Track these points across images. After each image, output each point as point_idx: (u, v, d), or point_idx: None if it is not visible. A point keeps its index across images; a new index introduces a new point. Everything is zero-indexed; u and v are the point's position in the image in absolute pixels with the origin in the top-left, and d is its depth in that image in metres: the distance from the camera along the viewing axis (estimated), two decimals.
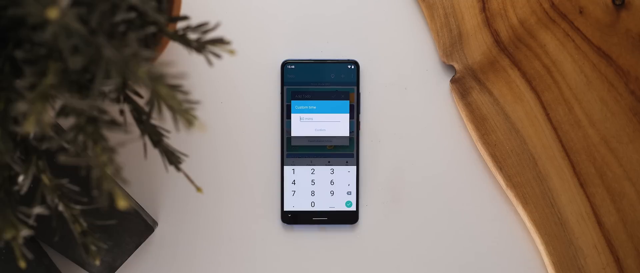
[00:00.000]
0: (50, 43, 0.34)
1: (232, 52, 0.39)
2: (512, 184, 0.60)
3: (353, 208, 0.61)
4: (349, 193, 0.61)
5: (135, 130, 0.45)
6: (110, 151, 0.37)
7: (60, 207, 0.43)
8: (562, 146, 0.60)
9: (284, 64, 0.61)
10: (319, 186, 0.61)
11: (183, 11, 0.49)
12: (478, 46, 0.60)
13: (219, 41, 0.40)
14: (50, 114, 0.34)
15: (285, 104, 0.61)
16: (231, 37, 0.42)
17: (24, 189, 0.41)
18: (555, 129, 0.60)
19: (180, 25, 0.47)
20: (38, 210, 0.41)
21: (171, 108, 0.36)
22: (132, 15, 0.37)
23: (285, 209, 0.61)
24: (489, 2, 0.60)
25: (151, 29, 0.39)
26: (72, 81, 0.37)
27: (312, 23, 0.61)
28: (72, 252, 0.57)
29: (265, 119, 0.61)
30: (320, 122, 0.61)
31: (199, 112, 0.37)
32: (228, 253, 0.62)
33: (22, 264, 0.40)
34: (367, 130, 0.62)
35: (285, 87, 0.61)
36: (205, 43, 0.40)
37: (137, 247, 0.58)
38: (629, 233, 0.59)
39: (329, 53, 0.61)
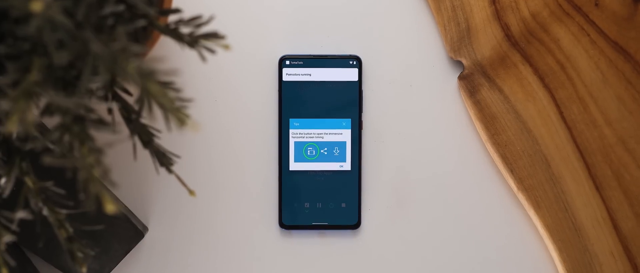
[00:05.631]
0: (34, 37, 0.34)
1: (226, 47, 0.39)
2: (523, 187, 0.60)
3: (355, 212, 0.61)
4: (350, 196, 0.61)
5: (124, 130, 0.45)
6: (98, 152, 0.37)
7: (45, 211, 0.43)
8: (577, 146, 0.60)
9: (282, 60, 0.60)
10: (319, 189, 0.61)
11: (175, 4, 0.49)
12: (487, 40, 0.60)
13: (213, 35, 0.40)
14: (34, 113, 0.34)
15: (283, 102, 0.61)
16: (226, 31, 0.42)
17: (7, 192, 0.41)
18: (569, 128, 0.60)
19: (172, 18, 0.47)
20: (21, 214, 0.41)
21: (162, 106, 0.36)
22: (121, 8, 0.37)
23: (283, 213, 0.61)
24: None
25: (141, 23, 0.39)
26: (57, 78, 0.37)
27: (311, 16, 0.61)
28: (58, 259, 0.57)
29: (262, 118, 0.61)
30: (319, 121, 0.61)
31: (192, 110, 0.37)
32: (223, 261, 0.62)
33: (5, 272, 0.40)
34: (369, 130, 0.62)
35: (283, 84, 0.61)
36: (198, 37, 0.40)
37: (126, 254, 0.58)
38: None
39: (329, 48, 0.61)
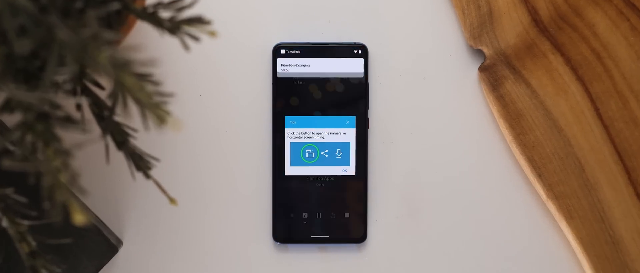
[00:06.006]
0: None
1: (213, 34, 0.39)
2: (553, 194, 0.60)
3: (360, 223, 0.61)
4: (355, 205, 0.61)
5: (95, 129, 0.45)
6: (65, 154, 0.37)
7: (4, 222, 0.43)
8: (615, 148, 0.60)
9: (277, 49, 0.60)
10: (319, 197, 0.61)
11: None
12: (512, 26, 0.60)
13: (197, 20, 0.40)
14: None
15: (277, 97, 0.61)
16: (212, 15, 0.42)
17: None
18: (606, 127, 0.60)
19: (150, 1, 0.47)
20: None
21: (139, 102, 0.36)
22: None
23: (277, 225, 0.61)
24: None
25: (114, 6, 0.39)
26: (18, 69, 0.37)
27: None
28: None
29: (254, 115, 0.61)
30: (319, 118, 0.61)
31: (173, 107, 0.37)
32: None
33: None
34: (377, 129, 0.62)
35: (277, 77, 0.61)
36: (180, 23, 0.40)
37: (97, 271, 0.58)
38: None
39: (330, 35, 0.61)
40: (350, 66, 0.61)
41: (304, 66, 0.61)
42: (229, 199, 0.62)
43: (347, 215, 0.61)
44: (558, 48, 0.60)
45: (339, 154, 0.61)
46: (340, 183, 0.61)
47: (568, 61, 0.60)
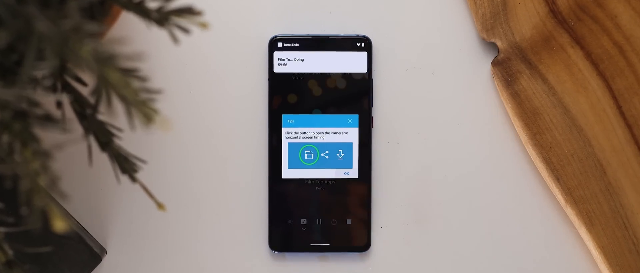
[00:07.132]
0: None
1: (204, 25, 0.39)
2: (572, 199, 0.60)
3: (363, 230, 0.61)
4: (358, 211, 0.61)
5: (77, 128, 0.45)
6: (45, 155, 0.37)
7: None
8: (639, 149, 0.60)
9: (273, 41, 0.60)
10: (319, 203, 0.61)
11: None
12: (528, 17, 0.60)
13: (187, 11, 0.40)
14: None
15: (274, 94, 0.61)
16: (203, 5, 0.42)
17: None
18: (629, 126, 0.60)
19: None
20: None
21: (124, 99, 0.36)
22: None
23: (273, 233, 0.61)
24: None
25: None
26: None
27: None
28: None
29: (249, 113, 0.61)
30: (319, 117, 0.61)
31: (162, 104, 0.37)
32: None
33: None
34: (382, 128, 0.62)
35: (274, 72, 0.61)
36: (168, 13, 0.40)
37: None
38: None
39: (331, 27, 0.61)
40: (353, 60, 0.61)
41: (302, 60, 0.61)
42: (221, 204, 0.62)
43: (349, 222, 0.61)
44: (577, 41, 0.60)
45: (340, 155, 0.61)
46: (341, 186, 0.61)
47: (588, 54, 0.60)
